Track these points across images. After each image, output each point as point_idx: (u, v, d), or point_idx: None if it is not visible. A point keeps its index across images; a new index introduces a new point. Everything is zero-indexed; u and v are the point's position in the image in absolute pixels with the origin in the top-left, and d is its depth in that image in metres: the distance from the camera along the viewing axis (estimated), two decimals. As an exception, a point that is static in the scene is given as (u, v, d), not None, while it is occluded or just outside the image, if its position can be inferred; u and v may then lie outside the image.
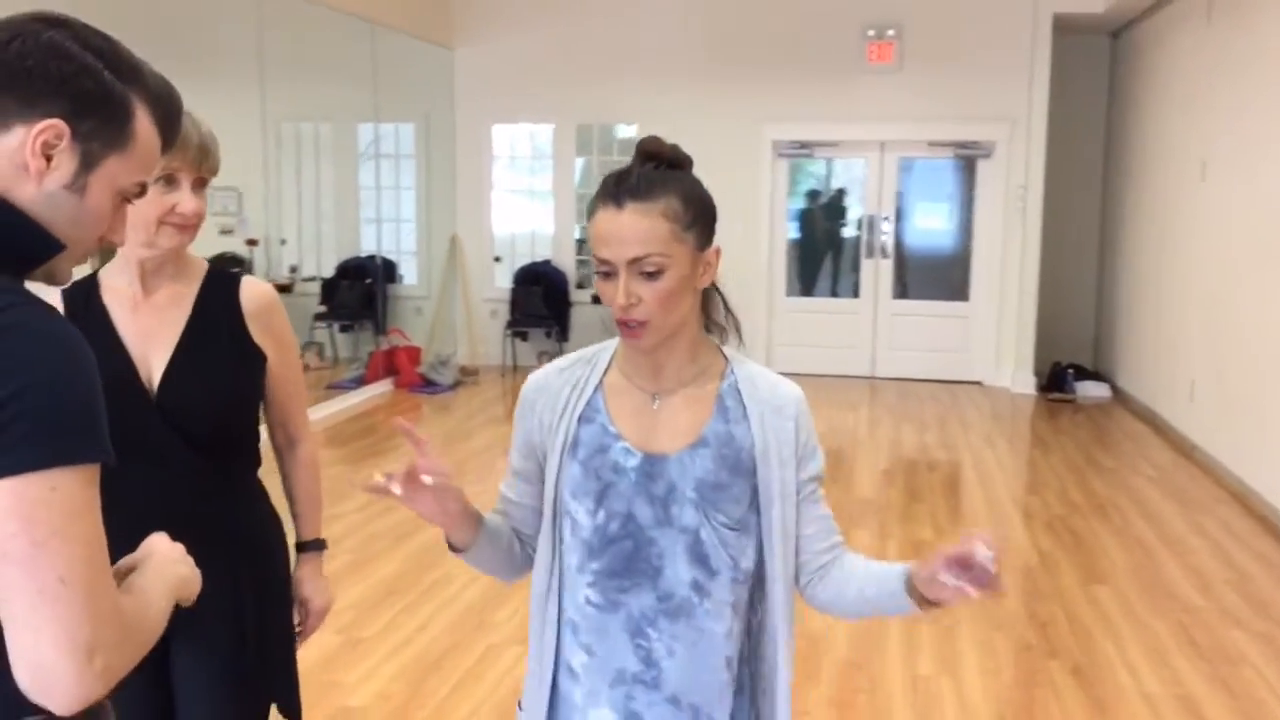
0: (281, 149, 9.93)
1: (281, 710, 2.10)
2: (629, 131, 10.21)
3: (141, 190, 1.24)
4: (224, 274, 2.03)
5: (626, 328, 1.53)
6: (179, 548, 1.33)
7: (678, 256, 1.51)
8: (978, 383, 9.74)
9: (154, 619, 1.20)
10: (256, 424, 2.05)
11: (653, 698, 1.55)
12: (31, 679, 1.04)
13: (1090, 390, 9.29)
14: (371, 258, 9.94)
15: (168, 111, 1.25)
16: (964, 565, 1.47)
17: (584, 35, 9.88)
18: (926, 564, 1.52)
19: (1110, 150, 10.13)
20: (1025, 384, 9.48)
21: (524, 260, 10.40)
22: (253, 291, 2.00)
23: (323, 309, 9.78)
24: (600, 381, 1.63)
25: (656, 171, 1.54)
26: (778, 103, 9.76)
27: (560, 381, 1.64)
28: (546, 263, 10.31)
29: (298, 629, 2.12)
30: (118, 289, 1.95)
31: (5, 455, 1.01)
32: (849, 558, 1.67)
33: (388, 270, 10.08)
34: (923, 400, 8.99)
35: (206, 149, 1.89)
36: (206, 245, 10.17)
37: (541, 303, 10.03)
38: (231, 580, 1.93)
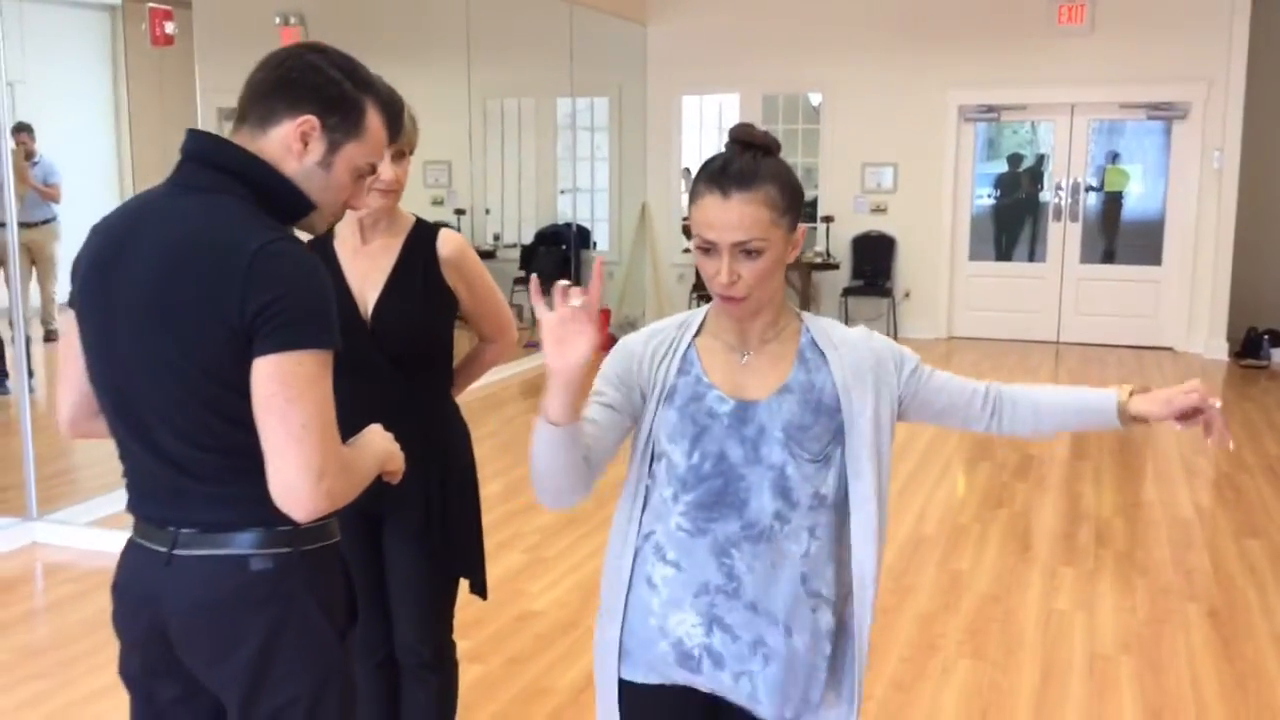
0: (487, 124, 10.64)
1: (470, 586, 2.59)
2: (817, 99, 10.45)
3: (373, 169, 1.72)
4: (426, 227, 2.51)
5: (728, 300, 1.71)
6: (389, 434, 1.81)
7: (774, 239, 1.68)
8: (1168, 349, 9.60)
9: (364, 469, 1.68)
10: (448, 349, 2.53)
11: (733, 605, 1.72)
12: (280, 495, 1.53)
13: (1288, 357, 9.03)
14: (567, 225, 10.54)
15: (392, 112, 1.73)
16: (1192, 416, 1.76)
17: (771, 7, 10.16)
18: (1150, 407, 1.77)
19: (1320, 108, 9.73)
20: (1218, 350, 9.29)
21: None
22: (446, 241, 2.48)
23: (521, 274, 10.44)
24: (692, 341, 1.81)
25: (755, 160, 1.69)
26: (964, 67, 9.81)
27: (659, 339, 1.83)
28: (732, 229, 10.67)
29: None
30: (345, 239, 2.47)
31: (270, 338, 1.50)
32: (1017, 391, 1.87)
33: (582, 237, 10.67)
34: (1106, 365, 8.95)
35: (408, 130, 2.38)
36: (422, 213, 10.99)
37: (727, 268, 10.40)
38: (424, 475, 2.41)
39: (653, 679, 1.79)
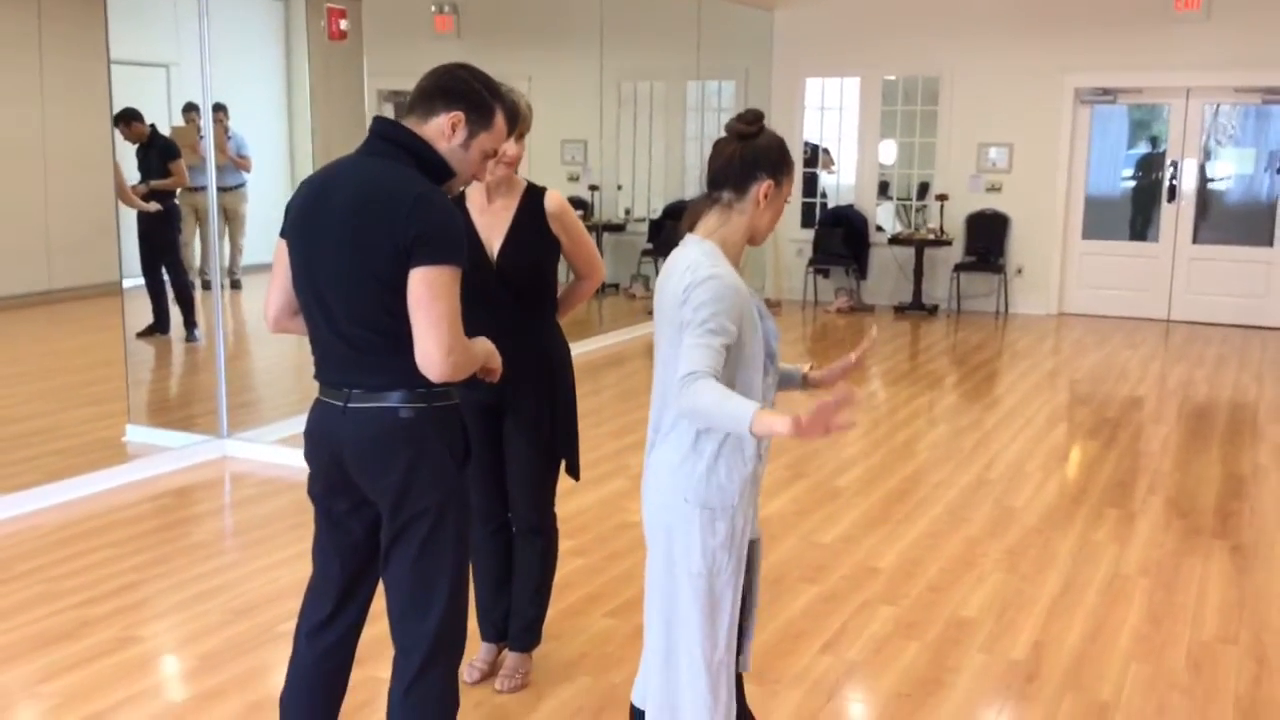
0: (620, 106, 11.35)
1: (566, 468, 3.31)
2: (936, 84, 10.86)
3: (495, 153, 2.43)
4: (536, 190, 3.22)
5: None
6: (492, 344, 2.51)
7: None
8: (1276, 329, 9.75)
9: (477, 355, 2.38)
10: (553, 284, 3.24)
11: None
12: (422, 361, 2.24)
13: (1399, 339, 9.12)
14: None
15: (512, 114, 2.46)
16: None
17: (892, -7, 10.61)
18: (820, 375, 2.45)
19: None
20: (1327, 331, 9.43)
21: (830, 204, 11.34)
22: (551, 200, 3.19)
23: (649, 246, 11.15)
24: None
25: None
26: (1081, 51, 10.10)
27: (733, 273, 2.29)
28: (849, 206, 11.20)
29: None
30: (474, 199, 3.20)
31: (422, 256, 2.21)
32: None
33: (707, 213, 11.29)
34: (1210, 343, 9.20)
35: (524, 116, 3.09)
36: (558, 189, 11.77)
37: (842, 243, 10.95)
38: (535, 380, 3.14)
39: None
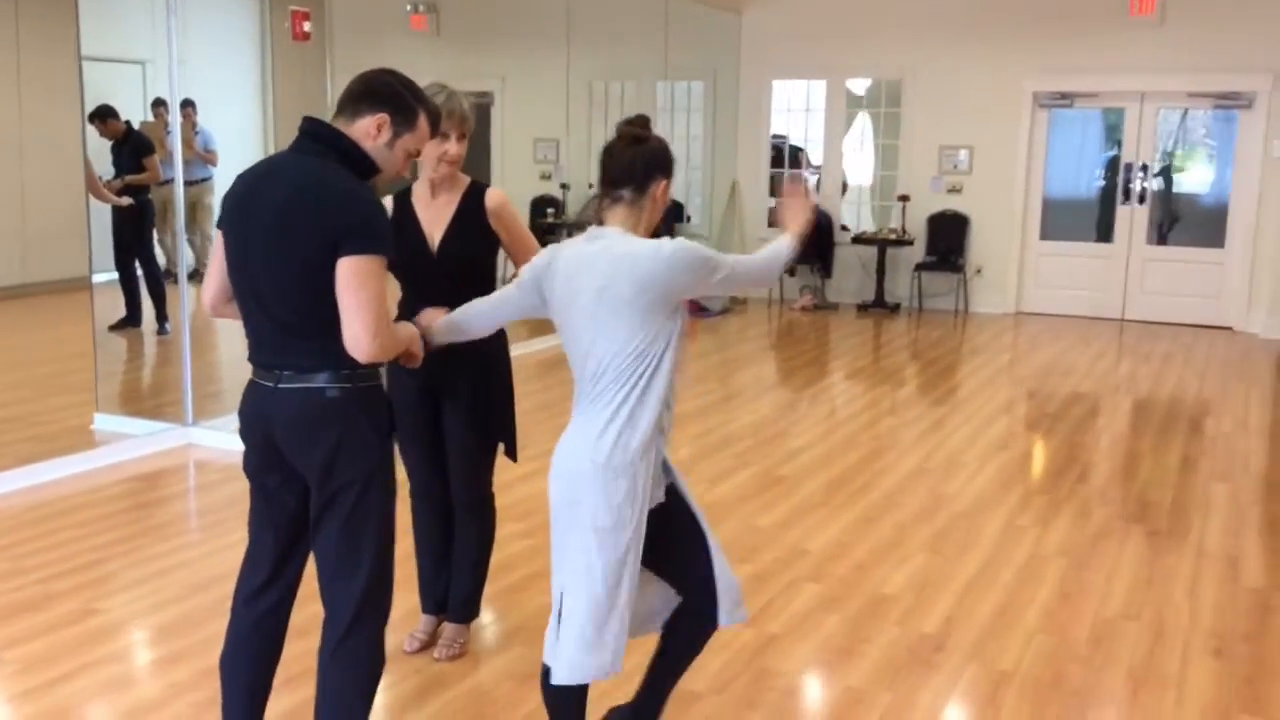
0: (591, 106, 11.55)
1: (505, 450, 3.51)
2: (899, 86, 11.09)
3: (417, 153, 2.63)
4: (478, 186, 3.42)
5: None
6: (415, 330, 2.71)
7: None
8: (1228, 328, 10.03)
9: (401, 338, 2.58)
10: (491, 274, 3.44)
11: None
12: (350, 343, 2.43)
13: (1343, 338, 9.40)
14: (662, 199, 11.39)
15: (435, 117, 2.64)
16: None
17: (857, -2, 10.85)
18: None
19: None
20: (1274, 330, 9.70)
21: (796, 204, 11.56)
22: (491, 197, 3.39)
23: (618, 243, 11.33)
24: None
25: None
26: (1039, 56, 10.36)
27: None
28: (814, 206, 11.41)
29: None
30: (419, 194, 3.40)
31: (349, 245, 2.40)
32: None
33: (676, 211, 11.52)
34: (1160, 339, 9.46)
35: (466, 116, 3.29)
36: (530, 187, 11.98)
37: (807, 242, 11.14)
38: (472, 366, 3.34)
39: None
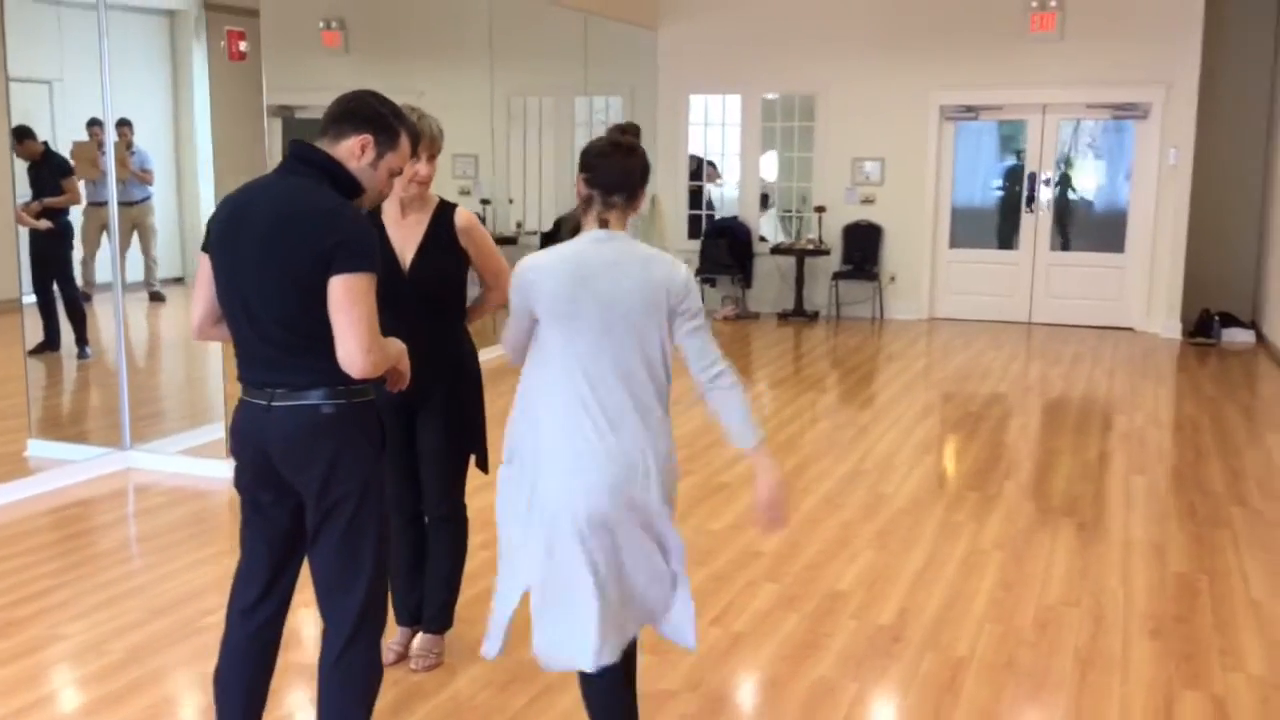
0: (510, 121, 11.62)
1: (476, 462, 3.59)
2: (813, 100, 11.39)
3: (400, 172, 2.71)
4: (447, 206, 3.50)
5: None
6: (403, 344, 2.79)
7: None
8: (1129, 329, 10.50)
9: (391, 354, 2.65)
10: (461, 292, 3.52)
11: None
12: (343, 360, 2.50)
13: (1236, 336, 9.91)
14: (582, 213, 11.50)
15: (415, 137, 2.72)
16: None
17: (771, 15, 11.12)
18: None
19: (1276, 108, 10.58)
20: (1173, 330, 10.19)
21: (716, 215, 11.78)
22: (460, 217, 3.47)
23: (541, 257, 11.40)
24: None
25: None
26: (945, 71, 10.73)
27: None
28: (734, 218, 11.66)
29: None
30: (389, 214, 3.46)
31: (341, 264, 2.47)
32: None
33: (596, 224, 11.63)
34: (1068, 343, 9.86)
35: (435, 138, 3.37)
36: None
37: (727, 253, 11.39)
38: (444, 379, 3.42)
39: None
